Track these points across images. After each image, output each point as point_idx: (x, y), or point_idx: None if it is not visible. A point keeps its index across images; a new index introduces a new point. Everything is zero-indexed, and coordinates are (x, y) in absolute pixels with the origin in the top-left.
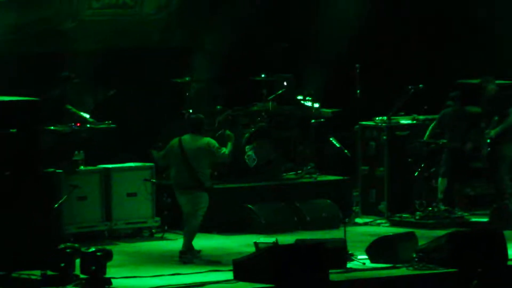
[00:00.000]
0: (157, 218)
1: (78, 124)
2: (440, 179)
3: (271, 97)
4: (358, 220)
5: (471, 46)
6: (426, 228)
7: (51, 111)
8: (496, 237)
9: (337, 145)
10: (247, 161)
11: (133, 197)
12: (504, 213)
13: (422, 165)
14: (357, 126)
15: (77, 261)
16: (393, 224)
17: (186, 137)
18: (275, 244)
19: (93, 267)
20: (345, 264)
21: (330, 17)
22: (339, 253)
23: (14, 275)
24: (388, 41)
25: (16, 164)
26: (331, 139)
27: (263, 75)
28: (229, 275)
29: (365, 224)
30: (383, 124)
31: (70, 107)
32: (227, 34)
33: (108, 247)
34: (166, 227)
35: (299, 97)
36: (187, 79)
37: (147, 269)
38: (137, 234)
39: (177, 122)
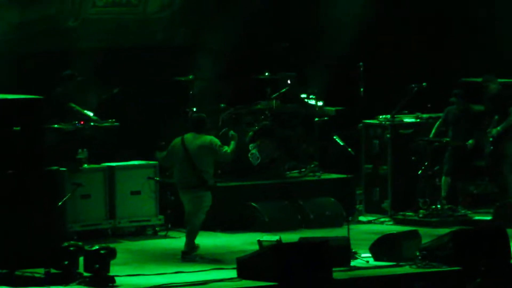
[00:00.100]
0: (161, 216)
1: (82, 122)
2: (443, 177)
3: (274, 95)
4: (361, 218)
5: (471, 46)
6: (430, 226)
7: (55, 110)
8: (499, 235)
9: (341, 143)
10: (250, 159)
11: (137, 195)
12: (507, 211)
13: (426, 163)
14: (360, 125)
15: (81, 259)
16: (397, 222)
17: (188, 136)
18: (279, 242)
19: (97, 265)
20: (349, 262)
21: (333, 16)
22: (342, 251)
23: (17, 273)
24: (390, 40)
25: (19, 163)
26: (334, 137)
27: (266, 74)
28: (233, 273)
29: (369, 222)
30: (387, 123)
31: (73, 105)
32: (230, 33)
33: (111, 245)
34: (169, 225)
35: (303, 96)
36: (190, 77)
37: (151, 267)
38: (140, 232)
39: (181, 121)
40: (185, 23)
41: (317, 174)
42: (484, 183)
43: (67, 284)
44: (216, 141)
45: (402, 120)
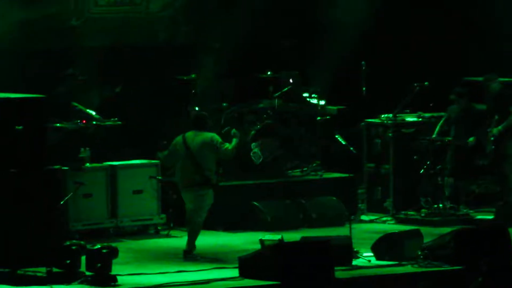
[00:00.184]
0: (163, 215)
1: (84, 121)
2: (446, 178)
3: (277, 94)
4: (363, 217)
5: (472, 46)
6: (432, 225)
7: (57, 108)
8: (501, 234)
9: (343, 142)
10: (253, 158)
11: (139, 194)
12: (509, 210)
13: (428, 163)
14: (362, 124)
15: (83, 258)
16: (399, 221)
17: (189, 134)
18: (281, 241)
19: (99, 264)
20: (351, 261)
21: (335, 15)
22: (344, 251)
23: (19, 272)
24: (392, 39)
25: (21, 162)
26: (336, 136)
27: (269, 73)
28: (235, 273)
29: (371, 221)
30: (389, 122)
31: (76, 104)
32: (232, 31)
33: (113, 244)
34: (171, 224)
35: (305, 95)
36: (193, 76)
37: (153, 266)
38: (142, 231)
39: (183, 120)
40: (188, 22)
41: (319, 173)
42: (486, 182)
43: (69, 283)
44: (217, 138)
45: (404, 119)
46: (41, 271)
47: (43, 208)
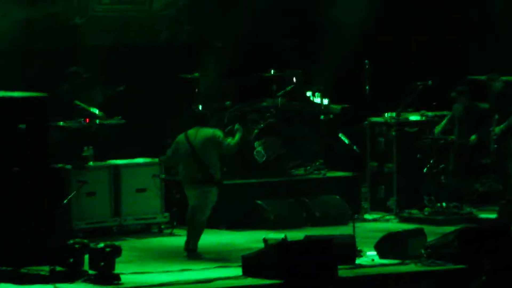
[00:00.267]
0: (166, 214)
1: (87, 120)
2: (449, 177)
3: (280, 93)
4: (367, 216)
5: (472, 46)
6: (435, 224)
7: (60, 107)
8: (504, 233)
9: (346, 141)
10: (256, 157)
11: (142, 192)
12: None
13: (431, 161)
14: (366, 122)
15: (86, 256)
16: (402, 220)
17: (191, 131)
18: (284, 240)
19: (102, 263)
20: (354, 260)
21: (338, 14)
22: (348, 249)
23: (23, 270)
24: (396, 38)
25: (24, 160)
26: (340, 135)
27: (272, 71)
28: (238, 271)
29: (374, 220)
30: (392, 120)
31: (79, 102)
32: (235, 30)
33: (117, 243)
34: (175, 223)
35: (308, 93)
36: (196, 75)
37: (156, 265)
38: (146, 230)
39: (186, 118)
40: (191, 21)
41: (323, 172)
42: (489, 181)
43: (72, 281)
44: (220, 133)
45: (408, 118)
46: (44, 269)
47: (46, 206)
